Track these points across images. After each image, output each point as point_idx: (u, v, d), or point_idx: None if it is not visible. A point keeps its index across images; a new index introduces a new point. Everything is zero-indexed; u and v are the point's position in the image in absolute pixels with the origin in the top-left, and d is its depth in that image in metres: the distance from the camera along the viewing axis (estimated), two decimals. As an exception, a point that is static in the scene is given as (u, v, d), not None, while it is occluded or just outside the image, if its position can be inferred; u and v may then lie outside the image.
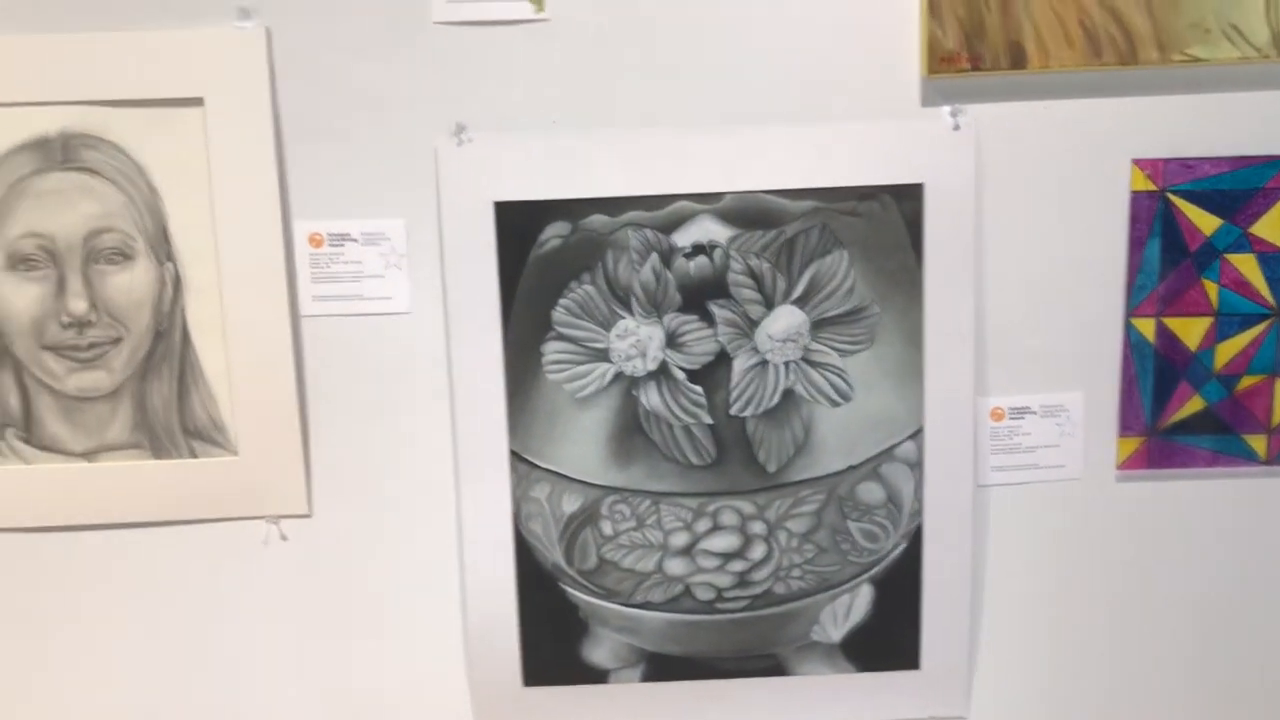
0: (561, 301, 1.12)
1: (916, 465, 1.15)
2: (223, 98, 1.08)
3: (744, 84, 1.10)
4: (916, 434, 1.15)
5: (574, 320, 1.12)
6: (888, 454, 1.15)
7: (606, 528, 1.15)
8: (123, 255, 1.11)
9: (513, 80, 1.09)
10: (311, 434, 1.15)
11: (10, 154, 1.09)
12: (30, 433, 1.14)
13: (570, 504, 1.15)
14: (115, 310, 1.12)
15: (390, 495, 1.17)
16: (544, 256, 1.11)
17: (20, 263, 1.11)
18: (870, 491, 1.16)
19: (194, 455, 1.15)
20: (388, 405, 1.15)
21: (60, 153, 1.09)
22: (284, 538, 1.18)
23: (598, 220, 1.11)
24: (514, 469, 1.14)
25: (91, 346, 1.13)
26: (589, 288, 1.12)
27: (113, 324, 1.12)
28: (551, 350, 1.13)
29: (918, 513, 1.16)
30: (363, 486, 1.17)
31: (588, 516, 1.15)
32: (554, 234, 1.11)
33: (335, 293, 1.13)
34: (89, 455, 1.15)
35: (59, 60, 1.08)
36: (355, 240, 1.12)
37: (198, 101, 1.08)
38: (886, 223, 1.11)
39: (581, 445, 1.14)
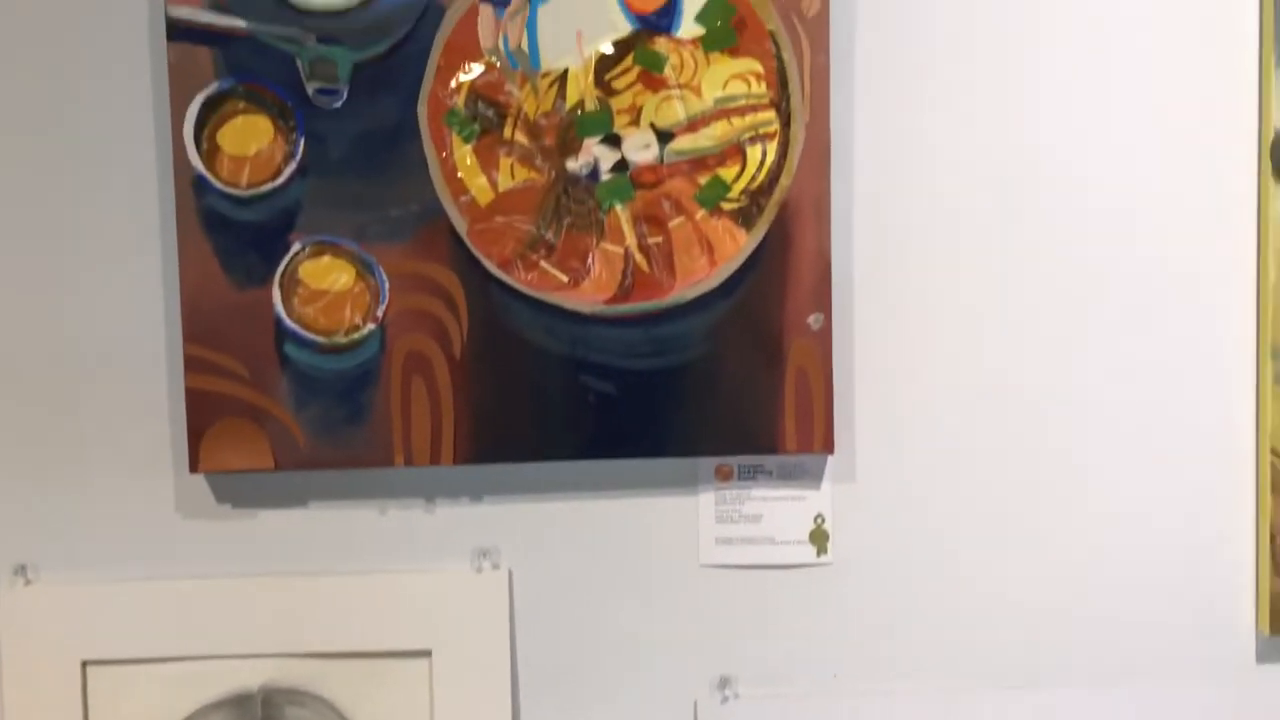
0: None
1: None
2: (455, 649, 0.94)
3: (1040, 641, 0.96)
4: None
5: None
6: None
7: None
8: (323, 826, 0.95)
9: (786, 630, 0.95)
10: None
11: (200, 713, 0.94)
12: None
13: None
14: None
15: None
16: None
17: (203, 835, 0.94)
18: None
19: None
20: None
21: (260, 710, 0.94)
22: None
23: (883, 789, 0.95)
24: None
25: None
26: None
27: None
28: None
29: None
30: None
31: None
32: (831, 803, 0.95)
33: None
34: None
35: (269, 607, 0.93)
36: (595, 805, 0.96)
37: (424, 653, 0.94)
38: (1217, 795, 0.96)
39: None
